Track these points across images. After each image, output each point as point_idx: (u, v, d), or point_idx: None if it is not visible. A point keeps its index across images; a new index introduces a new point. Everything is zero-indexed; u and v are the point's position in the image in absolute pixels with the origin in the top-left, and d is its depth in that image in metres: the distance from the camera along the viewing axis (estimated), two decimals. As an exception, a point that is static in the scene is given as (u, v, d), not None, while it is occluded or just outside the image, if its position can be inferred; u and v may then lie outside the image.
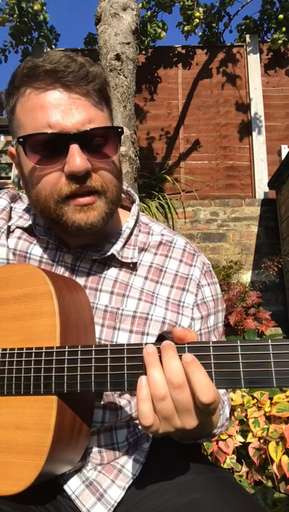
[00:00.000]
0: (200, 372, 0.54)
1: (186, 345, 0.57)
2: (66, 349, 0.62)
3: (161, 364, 0.56)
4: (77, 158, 0.66)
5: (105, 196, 0.72)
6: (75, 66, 0.67)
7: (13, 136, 0.74)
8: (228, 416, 0.84)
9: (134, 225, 0.84)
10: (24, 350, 0.64)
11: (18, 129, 0.71)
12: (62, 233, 0.77)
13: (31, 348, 0.64)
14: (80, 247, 0.79)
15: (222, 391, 0.85)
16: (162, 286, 0.81)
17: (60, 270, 0.79)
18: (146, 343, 0.58)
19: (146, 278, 0.81)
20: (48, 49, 5.87)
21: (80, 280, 0.77)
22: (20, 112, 0.70)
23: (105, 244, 0.80)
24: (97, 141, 0.69)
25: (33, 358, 0.63)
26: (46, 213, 0.71)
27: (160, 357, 0.57)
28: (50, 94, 0.67)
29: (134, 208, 0.86)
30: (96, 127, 0.68)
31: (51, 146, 0.67)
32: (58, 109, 0.66)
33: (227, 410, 0.84)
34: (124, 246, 0.80)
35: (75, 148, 0.66)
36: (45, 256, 0.80)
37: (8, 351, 0.66)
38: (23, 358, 0.64)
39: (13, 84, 0.70)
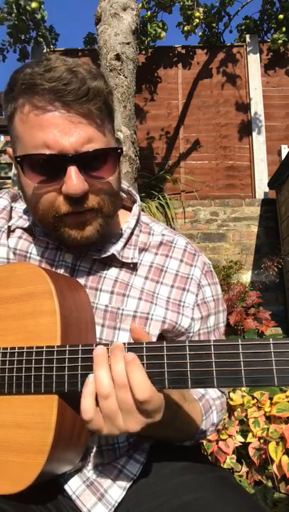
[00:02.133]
0: (137, 371, 0.56)
1: (186, 344, 0.57)
2: (67, 348, 0.62)
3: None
4: (74, 181, 0.65)
5: (101, 212, 0.72)
6: (76, 83, 0.64)
7: (11, 139, 0.74)
8: (215, 421, 0.82)
9: (135, 226, 0.84)
10: (25, 350, 0.64)
11: (17, 140, 0.70)
12: (59, 240, 0.78)
13: (32, 347, 0.64)
14: (81, 246, 0.79)
15: (214, 395, 0.84)
16: (163, 286, 0.81)
17: (61, 270, 0.79)
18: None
19: (146, 278, 0.81)
20: (47, 49, 5.86)
21: (81, 280, 0.77)
22: (18, 126, 0.68)
23: (106, 244, 0.80)
24: (95, 162, 0.68)
25: (33, 357, 0.63)
26: (44, 224, 0.72)
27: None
28: (49, 113, 0.64)
29: (135, 209, 0.86)
30: (95, 149, 0.66)
31: (49, 167, 0.66)
32: (57, 129, 0.64)
33: (214, 415, 0.82)
34: (124, 246, 0.80)
35: (72, 170, 0.65)
36: (46, 255, 0.80)
37: (8, 350, 0.66)
38: (24, 357, 0.64)
39: (12, 93, 0.68)
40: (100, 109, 0.68)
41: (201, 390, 0.83)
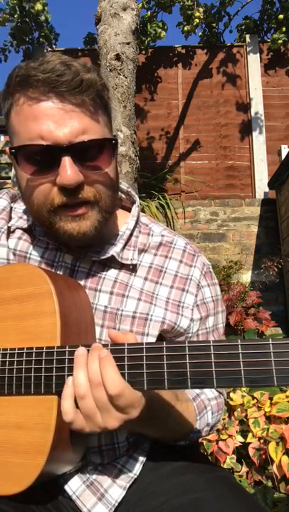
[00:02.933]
0: (109, 367, 0.57)
1: (186, 344, 0.57)
2: (67, 349, 0.62)
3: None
4: (68, 171, 0.65)
5: (98, 206, 0.71)
6: (69, 75, 0.64)
7: (9, 137, 0.74)
8: (210, 422, 0.82)
9: (134, 227, 0.84)
10: (25, 350, 0.64)
11: (13, 135, 0.70)
12: (56, 238, 0.77)
13: (32, 348, 0.64)
14: (80, 247, 0.79)
15: (211, 395, 0.84)
16: (162, 287, 0.81)
17: (60, 270, 0.79)
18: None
19: (146, 279, 0.81)
20: (49, 49, 5.87)
21: (80, 280, 0.77)
22: (14, 120, 0.68)
23: (105, 246, 0.80)
24: (90, 153, 0.68)
25: (33, 358, 0.63)
26: (39, 220, 0.72)
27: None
28: (43, 104, 0.65)
29: (135, 209, 0.86)
30: (89, 139, 0.66)
31: (43, 158, 0.66)
32: (51, 120, 0.64)
33: (208, 416, 0.81)
34: (124, 247, 0.80)
35: (67, 161, 0.65)
36: (45, 256, 0.80)
37: (8, 351, 0.66)
38: (24, 358, 0.64)
39: (8, 89, 0.69)
40: (93, 100, 0.68)
41: (197, 390, 0.82)
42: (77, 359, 0.60)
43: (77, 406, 0.59)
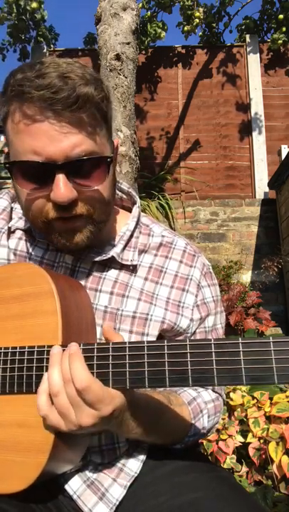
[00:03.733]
0: (76, 362, 0.59)
1: (187, 343, 0.57)
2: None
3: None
4: (61, 189, 0.64)
5: (92, 219, 0.71)
6: (65, 91, 0.62)
7: (6, 141, 0.74)
8: (206, 426, 0.81)
9: (135, 227, 0.84)
10: (26, 349, 0.65)
11: (9, 146, 0.70)
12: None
13: (33, 347, 0.64)
14: (80, 249, 0.79)
15: (208, 398, 0.84)
16: (162, 287, 0.81)
17: (61, 270, 0.79)
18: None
19: (146, 279, 0.81)
20: (47, 48, 5.86)
21: (80, 281, 0.77)
22: (10, 130, 0.68)
23: (106, 247, 0.80)
24: (84, 170, 0.67)
25: (35, 357, 0.64)
26: (35, 227, 0.74)
27: None
28: (38, 122, 0.64)
29: (135, 210, 0.86)
30: (84, 157, 0.66)
31: (38, 174, 0.66)
32: (46, 136, 0.63)
33: (204, 420, 0.81)
34: (124, 248, 0.80)
35: (60, 178, 0.65)
36: (46, 256, 0.80)
37: (10, 350, 0.66)
38: (25, 357, 0.64)
39: (4, 96, 0.67)
40: (91, 116, 0.67)
41: (193, 393, 0.82)
42: (52, 357, 0.60)
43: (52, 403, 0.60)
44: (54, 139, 0.64)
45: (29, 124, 0.64)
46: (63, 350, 0.61)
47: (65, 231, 0.71)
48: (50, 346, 0.63)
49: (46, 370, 0.62)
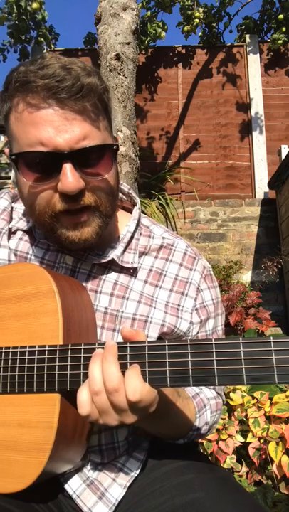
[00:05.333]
0: (134, 375, 0.57)
1: (188, 343, 0.57)
2: (69, 347, 0.62)
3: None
4: (69, 178, 0.64)
5: (99, 211, 0.70)
6: (70, 80, 0.63)
7: (8, 139, 0.74)
8: (209, 421, 0.82)
9: (135, 229, 0.84)
10: (27, 349, 0.65)
11: (12, 140, 0.69)
12: (57, 243, 0.77)
13: (34, 347, 0.64)
14: (81, 249, 0.79)
15: (210, 395, 0.84)
16: (161, 290, 0.81)
17: (61, 271, 0.79)
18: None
19: (145, 282, 0.81)
20: (47, 48, 5.86)
21: (81, 282, 0.77)
22: (13, 124, 0.68)
23: (106, 249, 0.80)
24: (91, 159, 0.67)
25: (36, 357, 0.64)
26: (41, 225, 0.72)
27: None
28: (43, 111, 0.64)
29: (135, 212, 0.86)
30: (90, 145, 0.66)
31: (44, 165, 0.65)
32: (51, 126, 0.63)
33: (208, 414, 0.81)
34: (124, 250, 0.80)
35: (68, 168, 0.64)
36: (46, 257, 0.80)
37: (11, 349, 0.66)
38: (26, 357, 0.64)
39: (7, 92, 0.68)
40: (94, 106, 0.67)
41: (196, 389, 0.83)
42: (95, 357, 0.60)
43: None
44: (59, 128, 0.64)
45: (33, 111, 0.64)
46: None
47: (73, 226, 0.69)
48: (52, 346, 0.63)
49: (47, 370, 0.63)
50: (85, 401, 0.58)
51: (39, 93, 0.63)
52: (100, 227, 0.71)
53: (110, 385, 0.57)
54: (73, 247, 0.73)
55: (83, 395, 0.58)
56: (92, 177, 0.68)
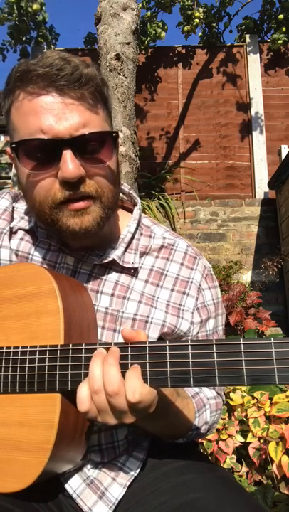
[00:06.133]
0: (134, 376, 0.57)
1: (189, 343, 0.57)
2: (70, 347, 0.62)
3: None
4: (69, 165, 0.64)
5: (100, 201, 0.70)
6: (69, 69, 0.64)
7: (9, 135, 0.74)
8: (209, 420, 0.82)
9: (136, 229, 0.84)
10: (28, 349, 0.65)
11: (13, 132, 0.70)
12: (59, 236, 0.77)
13: (35, 347, 0.64)
14: (82, 249, 0.79)
15: (210, 394, 0.84)
16: (163, 290, 0.81)
17: (62, 272, 0.79)
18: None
19: (146, 281, 0.81)
20: (47, 49, 5.86)
21: (82, 282, 0.77)
22: (14, 116, 0.68)
23: (107, 249, 0.80)
24: (91, 146, 0.67)
25: (37, 356, 0.64)
26: (41, 217, 0.71)
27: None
28: (42, 98, 0.65)
29: (136, 212, 0.86)
30: (90, 132, 0.66)
31: (44, 152, 0.65)
32: (51, 114, 0.64)
33: (207, 414, 0.81)
34: (125, 251, 0.80)
35: (68, 155, 0.64)
36: (47, 257, 0.80)
37: (12, 349, 0.66)
38: (27, 356, 0.65)
39: (8, 86, 0.69)
40: (93, 94, 0.68)
41: (196, 389, 0.83)
42: (95, 356, 0.60)
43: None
44: (58, 115, 0.64)
45: (32, 99, 0.65)
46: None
47: (74, 213, 0.68)
48: (53, 346, 0.63)
49: (48, 370, 0.63)
50: (84, 397, 0.58)
51: (39, 83, 0.65)
52: (101, 217, 0.71)
53: (110, 388, 0.57)
54: (74, 238, 0.72)
55: (83, 392, 0.59)
56: (93, 164, 0.68)
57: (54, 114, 0.64)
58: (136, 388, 0.56)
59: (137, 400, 0.56)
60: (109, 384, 0.57)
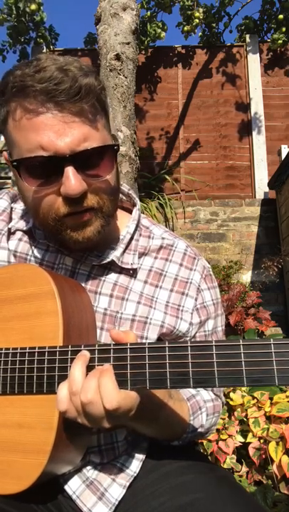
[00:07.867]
0: (108, 381, 0.56)
1: (188, 344, 0.57)
2: (69, 348, 0.62)
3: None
4: (72, 181, 0.64)
5: (101, 211, 0.71)
6: (67, 82, 0.62)
7: (6, 143, 0.73)
8: (205, 424, 0.81)
9: (135, 230, 0.84)
10: (27, 350, 0.65)
11: (12, 146, 0.69)
12: (60, 242, 0.77)
13: (34, 348, 0.64)
14: (81, 250, 0.79)
15: (207, 397, 0.84)
16: (162, 291, 0.81)
17: (61, 272, 0.79)
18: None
19: (145, 282, 0.81)
20: (46, 49, 5.85)
21: (80, 283, 0.77)
22: (12, 129, 0.67)
23: (105, 250, 0.80)
24: (92, 161, 0.67)
25: (36, 358, 0.64)
26: (44, 227, 0.72)
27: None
28: (42, 115, 0.63)
29: (135, 213, 0.86)
30: (91, 147, 0.66)
31: (46, 169, 0.65)
32: (52, 130, 0.63)
33: (203, 417, 0.81)
34: (124, 251, 0.80)
35: (70, 171, 0.64)
36: (46, 258, 0.80)
37: (11, 350, 0.66)
38: (26, 358, 0.64)
39: (3, 96, 0.67)
40: (93, 106, 0.67)
41: (192, 391, 0.82)
42: (78, 358, 0.60)
43: None
44: (59, 132, 0.64)
45: (31, 117, 0.64)
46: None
47: (77, 226, 0.70)
48: (52, 347, 0.63)
49: (47, 371, 0.63)
50: (63, 397, 0.58)
51: (37, 97, 0.63)
52: (102, 226, 0.72)
53: (83, 396, 0.56)
54: (77, 246, 0.73)
55: (62, 392, 0.58)
56: (94, 178, 0.68)
57: (54, 131, 0.63)
58: (112, 396, 0.56)
59: (115, 407, 0.56)
60: (84, 391, 0.56)
